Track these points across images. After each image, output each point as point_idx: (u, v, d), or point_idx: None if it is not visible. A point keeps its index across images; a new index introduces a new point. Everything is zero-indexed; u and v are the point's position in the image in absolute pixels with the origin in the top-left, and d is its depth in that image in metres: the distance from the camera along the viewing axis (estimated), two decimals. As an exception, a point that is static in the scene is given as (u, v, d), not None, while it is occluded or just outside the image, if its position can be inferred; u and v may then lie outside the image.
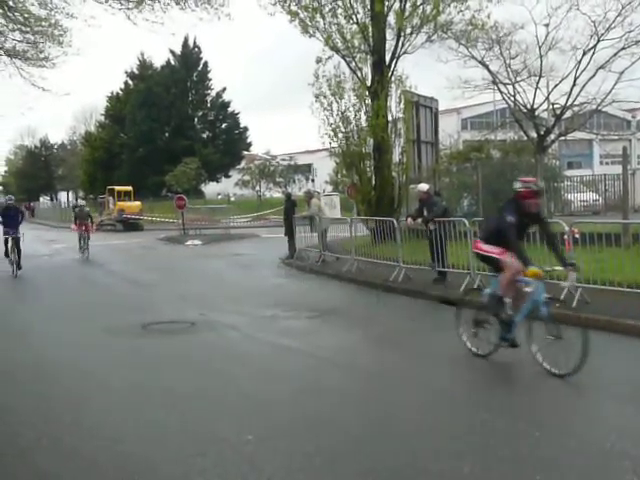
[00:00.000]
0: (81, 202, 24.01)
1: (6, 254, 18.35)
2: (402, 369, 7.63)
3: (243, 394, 6.68)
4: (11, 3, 18.09)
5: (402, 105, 20.24)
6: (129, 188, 46.79)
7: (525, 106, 25.77)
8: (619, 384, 6.75)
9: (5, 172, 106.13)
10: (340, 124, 20.42)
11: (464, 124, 59.41)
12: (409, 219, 13.97)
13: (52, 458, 5.10)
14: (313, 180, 63.36)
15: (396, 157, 20.83)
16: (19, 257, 17.85)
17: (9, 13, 18.07)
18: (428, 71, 27.49)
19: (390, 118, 20.45)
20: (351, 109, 20.43)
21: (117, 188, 46.00)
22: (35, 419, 6.08)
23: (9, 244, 18.07)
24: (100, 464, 4.97)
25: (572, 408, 6.08)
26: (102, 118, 74.30)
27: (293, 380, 7.20)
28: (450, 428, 5.51)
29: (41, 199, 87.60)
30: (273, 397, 6.56)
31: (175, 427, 5.75)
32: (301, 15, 20.46)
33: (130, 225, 41.72)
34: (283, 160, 57.90)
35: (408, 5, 19.99)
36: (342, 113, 20.36)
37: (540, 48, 25.11)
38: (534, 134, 25.89)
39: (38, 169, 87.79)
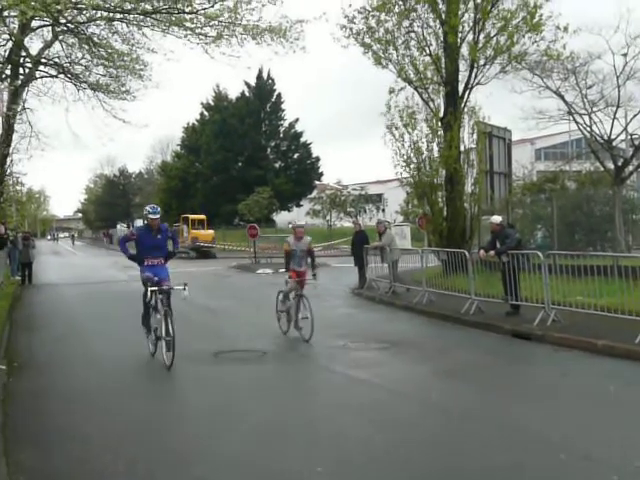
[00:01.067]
0: (298, 222, 13.88)
1: (146, 321, 10.45)
2: (473, 403, 7.49)
3: (313, 425, 6.69)
4: (96, 39, 18.91)
5: (475, 136, 20.12)
6: (203, 217, 47.89)
7: (602, 137, 25.22)
8: None
9: (85, 200, 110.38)
10: (412, 155, 20.43)
11: (538, 154, 58.42)
12: (482, 251, 13.78)
13: (128, 482, 5.23)
14: (384, 210, 63.24)
15: (468, 188, 20.67)
16: (172, 331, 9.25)
17: (94, 49, 18.94)
18: (502, 102, 27.24)
19: (462, 149, 20.35)
20: (423, 140, 20.45)
21: (191, 217, 47.13)
22: (112, 443, 6.25)
23: (154, 301, 9.93)
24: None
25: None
26: (178, 148, 76.54)
27: (363, 413, 7.17)
28: (524, 466, 5.37)
29: (118, 226, 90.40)
30: (343, 429, 6.54)
31: (246, 457, 5.80)
32: (374, 47, 20.66)
33: (203, 253, 42.65)
34: (354, 190, 58.12)
35: (481, 36, 19.95)
36: (414, 144, 20.37)
37: (618, 78, 24.63)
38: (611, 165, 25.28)
39: (116, 197, 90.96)
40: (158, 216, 10.11)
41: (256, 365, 9.92)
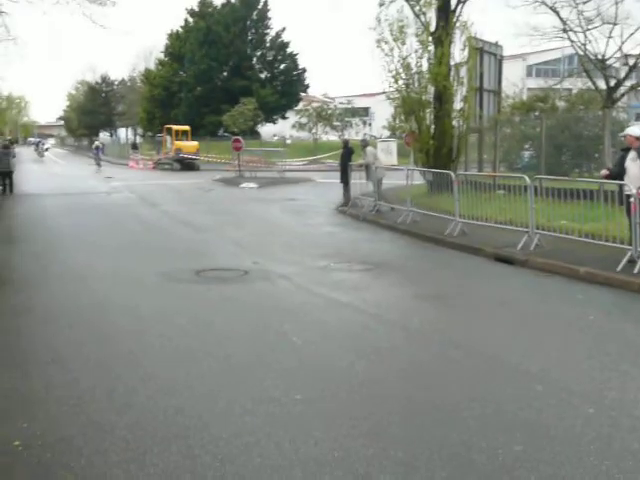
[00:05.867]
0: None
1: None
2: (454, 330, 7.49)
3: (292, 349, 6.67)
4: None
5: (466, 52, 19.61)
6: (187, 128, 47.02)
7: (596, 56, 24.68)
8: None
9: (67, 107, 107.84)
10: (401, 70, 19.90)
11: (529, 71, 57.56)
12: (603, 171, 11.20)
13: (105, 409, 5.18)
14: (370, 124, 62.53)
15: (457, 106, 20.29)
16: None
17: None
18: (495, 17, 26.49)
19: (452, 65, 19.85)
20: (413, 55, 19.88)
21: (175, 127, 46.24)
22: (91, 366, 6.21)
23: None
24: (152, 417, 5.03)
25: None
26: (162, 56, 74.33)
27: (344, 338, 7.15)
28: (502, 398, 5.40)
29: (101, 135, 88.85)
30: (323, 356, 6.53)
31: (225, 382, 5.78)
32: (365, -45, 19.80)
33: (186, 165, 42.14)
34: (341, 103, 57.19)
35: (477, -54, 19.16)
36: (403, 59, 19.81)
37: (616, -6, 23.89)
38: (603, 85, 24.84)
39: (99, 105, 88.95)
40: None
41: (238, 284, 9.86)
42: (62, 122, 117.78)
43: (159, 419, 4.99)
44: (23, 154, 56.45)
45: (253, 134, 57.12)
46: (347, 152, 20.43)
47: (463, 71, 20.00)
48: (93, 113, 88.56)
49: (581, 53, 25.38)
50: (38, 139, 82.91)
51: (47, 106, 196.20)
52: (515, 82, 36.05)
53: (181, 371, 6.04)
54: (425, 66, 19.84)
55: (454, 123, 20.47)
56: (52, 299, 8.96)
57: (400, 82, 20.03)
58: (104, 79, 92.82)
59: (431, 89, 20.08)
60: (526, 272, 10.77)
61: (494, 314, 8.36)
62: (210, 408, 5.19)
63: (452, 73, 19.80)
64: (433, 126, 20.44)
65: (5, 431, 4.80)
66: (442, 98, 19.80)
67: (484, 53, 20.77)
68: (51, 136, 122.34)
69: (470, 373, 6.04)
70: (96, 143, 50.68)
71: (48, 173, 41.41)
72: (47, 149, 75.56)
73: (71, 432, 4.77)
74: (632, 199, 9.91)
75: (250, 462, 4.31)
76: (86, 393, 5.50)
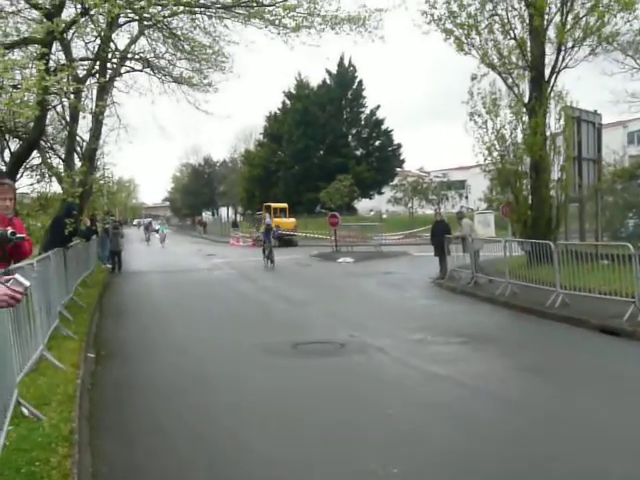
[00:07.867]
0: None
1: None
2: (557, 403, 7.22)
3: (390, 423, 6.61)
4: (179, 33, 19.24)
5: (562, 121, 19.41)
6: (284, 205, 48.40)
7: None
8: None
9: (172, 188, 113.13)
10: (495, 142, 19.87)
11: (631, 138, 56.01)
12: None
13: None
14: (467, 197, 62.25)
15: (555, 175, 19.98)
16: None
17: (177, 43, 19.26)
18: (591, 85, 26.23)
19: (548, 135, 19.68)
20: (507, 127, 19.82)
21: (273, 205, 47.70)
22: (192, 435, 6.39)
23: None
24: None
25: None
26: (261, 137, 77.38)
27: (441, 410, 7.05)
28: (610, 472, 5.14)
29: (203, 214, 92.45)
30: (420, 428, 6.45)
31: (321, 454, 5.79)
32: (456, 33, 20.18)
33: (285, 241, 43.11)
34: (436, 177, 57.51)
35: (570, 18, 19.14)
36: (497, 131, 19.79)
37: None
38: None
39: (201, 185, 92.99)
40: None
41: (334, 358, 9.90)
42: (167, 203, 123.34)
43: (257, 489, 5.05)
44: (132, 235, 59.16)
45: (349, 209, 58.04)
46: (442, 226, 20.41)
47: (560, 140, 19.76)
48: (196, 193, 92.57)
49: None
50: (148, 219, 75.10)
51: (154, 188, 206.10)
52: (616, 150, 35.27)
53: (279, 443, 6.09)
54: (520, 137, 19.74)
55: (552, 193, 20.12)
56: (153, 372, 9.27)
57: (495, 154, 19.96)
58: (206, 161, 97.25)
59: (527, 159, 19.89)
60: (633, 344, 10.29)
61: (599, 387, 8.00)
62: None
63: (548, 143, 19.60)
64: (530, 197, 20.17)
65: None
66: (538, 168, 19.55)
67: (581, 121, 20.48)
68: (157, 216, 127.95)
69: (575, 447, 5.80)
70: (267, 221, 30.84)
71: (153, 252, 43.24)
72: (158, 230, 58.86)
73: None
74: None
75: (346, 535, 4.28)
76: (186, 463, 5.63)
